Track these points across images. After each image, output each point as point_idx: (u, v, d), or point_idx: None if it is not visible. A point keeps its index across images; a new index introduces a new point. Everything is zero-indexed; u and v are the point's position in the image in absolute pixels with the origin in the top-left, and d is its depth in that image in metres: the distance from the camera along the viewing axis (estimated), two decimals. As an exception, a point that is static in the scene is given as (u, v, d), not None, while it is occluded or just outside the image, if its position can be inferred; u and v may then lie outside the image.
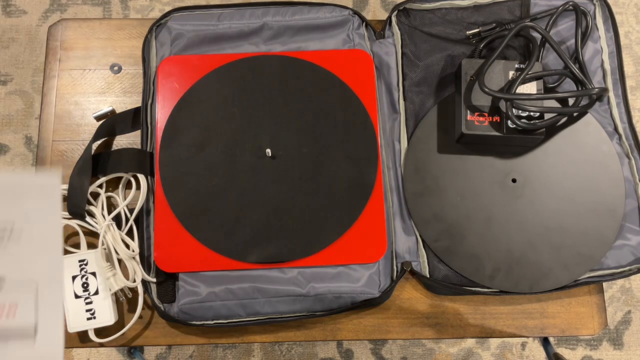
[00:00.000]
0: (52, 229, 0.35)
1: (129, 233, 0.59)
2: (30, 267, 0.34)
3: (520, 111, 0.58)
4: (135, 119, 0.63)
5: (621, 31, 1.27)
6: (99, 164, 0.60)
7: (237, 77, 0.62)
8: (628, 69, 1.26)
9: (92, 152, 0.60)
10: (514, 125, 0.58)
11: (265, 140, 0.60)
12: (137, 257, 0.58)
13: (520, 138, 0.59)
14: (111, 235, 0.57)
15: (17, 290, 0.34)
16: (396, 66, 0.64)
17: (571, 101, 0.62)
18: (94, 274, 0.57)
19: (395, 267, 0.59)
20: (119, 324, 0.58)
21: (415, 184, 0.61)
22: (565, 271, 0.58)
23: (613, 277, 0.58)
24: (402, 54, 0.64)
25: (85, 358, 1.08)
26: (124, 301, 0.59)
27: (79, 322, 0.56)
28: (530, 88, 0.59)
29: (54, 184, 0.35)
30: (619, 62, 0.64)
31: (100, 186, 0.60)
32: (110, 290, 0.57)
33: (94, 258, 0.57)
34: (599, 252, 0.59)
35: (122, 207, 0.59)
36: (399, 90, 0.63)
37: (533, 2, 0.65)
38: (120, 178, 0.60)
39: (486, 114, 0.59)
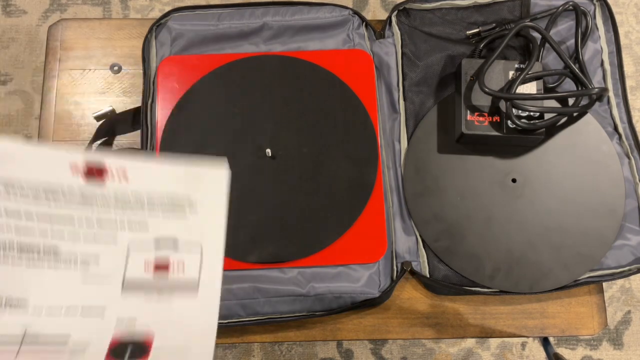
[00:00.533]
0: (219, 205, 0.42)
1: (129, 233, 0.59)
2: (199, 233, 0.41)
3: (520, 111, 0.58)
4: (135, 119, 0.63)
5: (621, 31, 1.27)
6: (99, 164, 0.60)
7: (237, 77, 0.62)
8: (628, 69, 1.26)
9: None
10: (514, 125, 0.58)
11: (265, 140, 0.60)
12: (137, 257, 0.58)
13: (520, 138, 0.59)
14: (111, 235, 0.57)
15: (187, 256, 0.41)
16: (396, 66, 0.64)
17: (571, 101, 0.62)
18: (94, 274, 0.57)
19: (395, 267, 0.59)
20: (119, 324, 0.58)
21: (415, 184, 0.61)
22: (565, 271, 0.58)
23: (613, 277, 0.58)
24: (402, 54, 0.64)
25: (85, 358, 1.08)
26: (124, 301, 0.59)
27: (79, 322, 0.56)
28: (530, 88, 0.59)
29: (223, 172, 0.43)
30: (619, 62, 0.64)
31: (100, 186, 0.60)
32: (110, 290, 0.57)
33: (94, 258, 0.57)
34: (599, 252, 0.59)
35: (122, 207, 0.59)
36: (399, 90, 0.63)
37: (533, 2, 0.65)
38: (120, 178, 0.60)
39: (486, 114, 0.59)
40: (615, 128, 0.62)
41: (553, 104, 0.62)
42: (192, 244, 0.41)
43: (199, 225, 0.41)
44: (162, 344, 0.38)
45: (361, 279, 0.57)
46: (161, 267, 0.40)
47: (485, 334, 0.60)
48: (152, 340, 0.38)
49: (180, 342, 0.39)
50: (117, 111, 0.64)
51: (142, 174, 0.41)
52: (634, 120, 1.22)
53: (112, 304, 0.38)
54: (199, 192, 0.42)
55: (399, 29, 0.65)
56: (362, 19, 0.65)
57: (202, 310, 0.40)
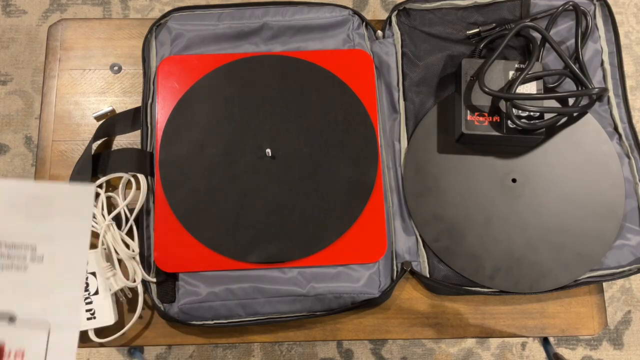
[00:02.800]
0: (76, 256, 0.29)
1: (129, 233, 0.59)
2: (46, 304, 0.29)
3: (520, 111, 0.58)
4: (135, 119, 0.63)
5: (621, 31, 1.27)
6: (99, 164, 0.60)
7: (237, 77, 0.62)
8: (628, 69, 1.26)
9: (92, 152, 0.60)
10: (514, 125, 0.58)
11: (265, 140, 0.60)
12: (137, 257, 0.58)
13: (520, 138, 0.59)
14: (111, 235, 0.57)
15: (27, 333, 0.29)
16: (396, 66, 0.64)
17: (571, 101, 0.62)
18: (94, 274, 0.57)
19: (395, 267, 0.59)
20: (119, 324, 0.58)
21: (415, 184, 0.61)
22: (565, 271, 0.58)
23: (613, 277, 0.58)
24: (402, 54, 0.64)
25: (85, 358, 1.08)
26: (124, 301, 0.59)
27: (79, 322, 0.56)
28: (530, 88, 0.59)
29: (88, 192, 0.29)
30: (619, 62, 0.64)
31: (100, 186, 0.60)
32: (110, 290, 0.57)
33: (93, 258, 0.57)
34: (599, 252, 0.59)
35: (122, 207, 0.59)
36: (399, 90, 0.63)
37: (533, 2, 0.65)
38: (120, 178, 0.60)
39: (486, 114, 0.59)
40: (615, 128, 0.62)
41: (553, 104, 0.62)
42: (34, 320, 0.29)
43: (46, 288, 0.29)
44: None
45: (361, 279, 0.57)
46: None
47: (485, 334, 0.60)
48: None
49: None
50: (117, 111, 0.65)
51: None
52: (634, 120, 1.22)
53: None
54: (48, 226, 0.28)
55: (399, 29, 0.65)
56: (362, 19, 0.65)
57: None
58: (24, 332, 0.29)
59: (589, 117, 0.62)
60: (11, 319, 0.29)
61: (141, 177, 0.59)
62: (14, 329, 0.29)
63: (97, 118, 0.64)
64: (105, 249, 0.57)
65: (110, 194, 0.60)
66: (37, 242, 0.29)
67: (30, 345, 0.29)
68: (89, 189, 0.29)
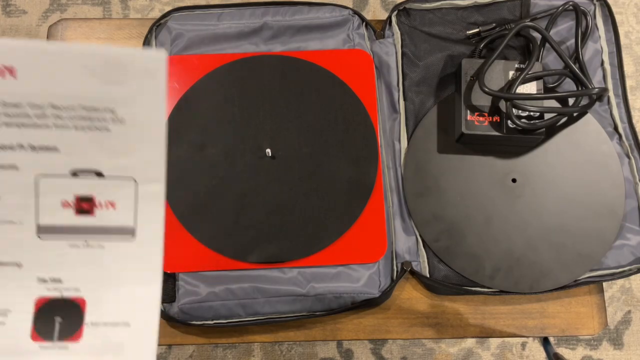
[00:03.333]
0: (155, 115, 0.30)
1: (129, 233, 0.59)
2: (131, 161, 0.30)
3: (520, 111, 0.58)
4: (135, 119, 0.62)
5: (621, 31, 1.27)
6: (99, 164, 0.60)
7: (237, 77, 0.62)
8: (628, 69, 1.26)
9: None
10: (514, 125, 0.58)
11: (265, 140, 0.60)
12: (137, 257, 0.58)
13: (520, 138, 0.59)
14: (111, 235, 0.57)
15: (116, 186, 0.30)
16: (396, 66, 0.64)
17: (571, 101, 0.62)
18: (94, 273, 0.57)
19: (395, 267, 0.59)
20: (119, 324, 0.58)
21: (415, 184, 0.61)
22: (565, 271, 0.58)
23: (613, 277, 0.58)
24: (402, 53, 0.64)
25: (85, 358, 1.08)
26: (124, 301, 0.59)
27: (79, 322, 0.56)
28: (530, 88, 0.59)
29: (160, 56, 0.30)
30: (619, 62, 0.64)
31: (100, 186, 0.60)
32: (110, 290, 0.57)
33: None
34: (599, 252, 0.59)
35: (122, 207, 0.59)
36: (399, 90, 0.63)
37: (533, 2, 0.65)
38: (120, 178, 0.60)
39: (486, 114, 0.59)
40: (615, 128, 0.62)
41: (553, 104, 0.62)
42: (121, 176, 0.31)
43: (130, 147, 0.30)
44: (95, 318, 0.30)
45: (361, 279, 0.57)
46: (83, 206, 0.30)
47: (485, 334, 0.60)
48: (84, 313, 0.30)
49: (116, 316, 0.31)
50: (117, 111, 0.64)
51: (38, 63, 0.29)
52: (634, 120, 1.22)
53: (27, 258, 0.30)
54: (125, 90, 0.30)
55: (399, 29, 0.65)
56: (362, 19, 0.65)
57: (143, 262, 0.31)
58: (112, 185, 0.31)
59: (589, 117, 0.62)
60: (98, 174, 0.30)
61: (141, 177, 0.59)
62: (102, 183, 0.30)
63: (97, 118, 0.64)
64: (105, 249, 0.57)
65: (110, 194, 0.60)
66: (116, 105, 0.30)
67: (119, 196, 0.31)
68: (161, 53, 0.30)
